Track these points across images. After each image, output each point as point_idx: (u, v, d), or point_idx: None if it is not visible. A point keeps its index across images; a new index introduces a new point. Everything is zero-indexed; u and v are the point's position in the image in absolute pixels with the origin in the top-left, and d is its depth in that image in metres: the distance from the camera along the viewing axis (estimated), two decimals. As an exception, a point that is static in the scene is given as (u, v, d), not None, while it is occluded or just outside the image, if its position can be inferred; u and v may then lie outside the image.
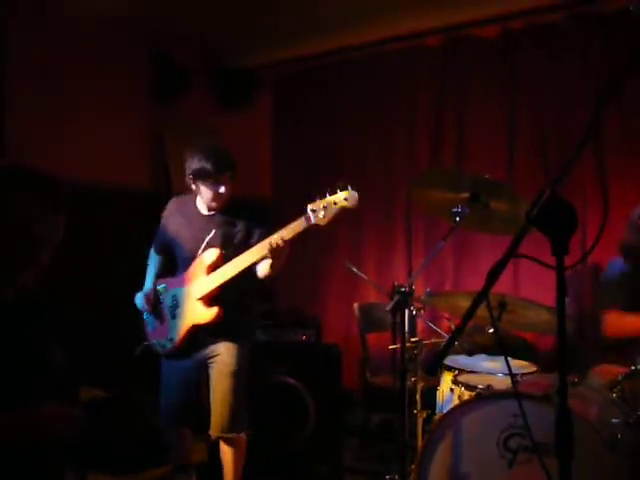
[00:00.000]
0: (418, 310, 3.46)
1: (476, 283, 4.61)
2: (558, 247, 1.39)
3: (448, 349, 1.53)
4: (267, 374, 4.26)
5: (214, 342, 3.39)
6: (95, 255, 4.68)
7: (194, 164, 3.33)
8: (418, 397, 3.38)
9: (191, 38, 5.28)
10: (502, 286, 3.70)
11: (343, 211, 3.01)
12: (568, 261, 1.45)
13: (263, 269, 3.32)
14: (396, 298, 2.89)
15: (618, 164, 4.34)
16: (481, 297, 1.41)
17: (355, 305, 4.69)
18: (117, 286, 3.81)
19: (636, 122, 4.43)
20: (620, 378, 2.95)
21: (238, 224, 3.43)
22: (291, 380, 4.23)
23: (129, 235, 4.89)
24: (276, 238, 3.09)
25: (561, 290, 1.41)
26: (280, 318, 4.95)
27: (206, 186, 3.34)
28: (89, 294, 4.55)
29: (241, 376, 3.39)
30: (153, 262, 3.68)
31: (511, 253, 1.39)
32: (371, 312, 4.70)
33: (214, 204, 3.40)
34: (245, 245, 3.34)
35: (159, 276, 3.62)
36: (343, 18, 4.99)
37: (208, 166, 3.28)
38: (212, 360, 3.40)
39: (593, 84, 4.56)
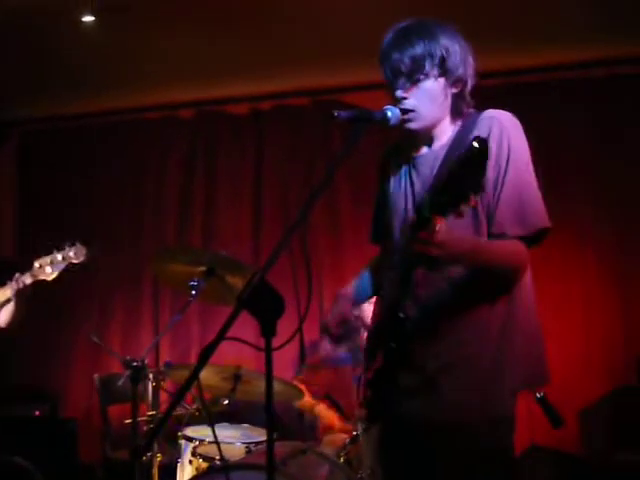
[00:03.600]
0: (159, 382, 3.45)
1: (220, 353, 4.65)
2: (266, 329, 1.48)
3: (160, 428, 1.55)
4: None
5: None
6: None
7: None
8: (155, 471, 3.32)
9: None
10: (242, 358, 3.78)
11: (71, 266, 3.02)
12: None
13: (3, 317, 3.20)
14: (128, 372, 2.87)
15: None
16: (193, 376, 1.46)
17: (95, 376, 4.52)
18: None
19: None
20: (347, 443, 3.16)
21: None
22: (18, 459, 3.96)
23: None
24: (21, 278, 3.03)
25: (269, 368, 1.50)
26: (12, 393, 4.63)
27: None
28: None
29: None
30: None
31: (222, 335, 1.45)
32: (113, 383, 4.52)
33: None
34: None
35: None
36: (99, 83, 4.96)
37: None
38: None
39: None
